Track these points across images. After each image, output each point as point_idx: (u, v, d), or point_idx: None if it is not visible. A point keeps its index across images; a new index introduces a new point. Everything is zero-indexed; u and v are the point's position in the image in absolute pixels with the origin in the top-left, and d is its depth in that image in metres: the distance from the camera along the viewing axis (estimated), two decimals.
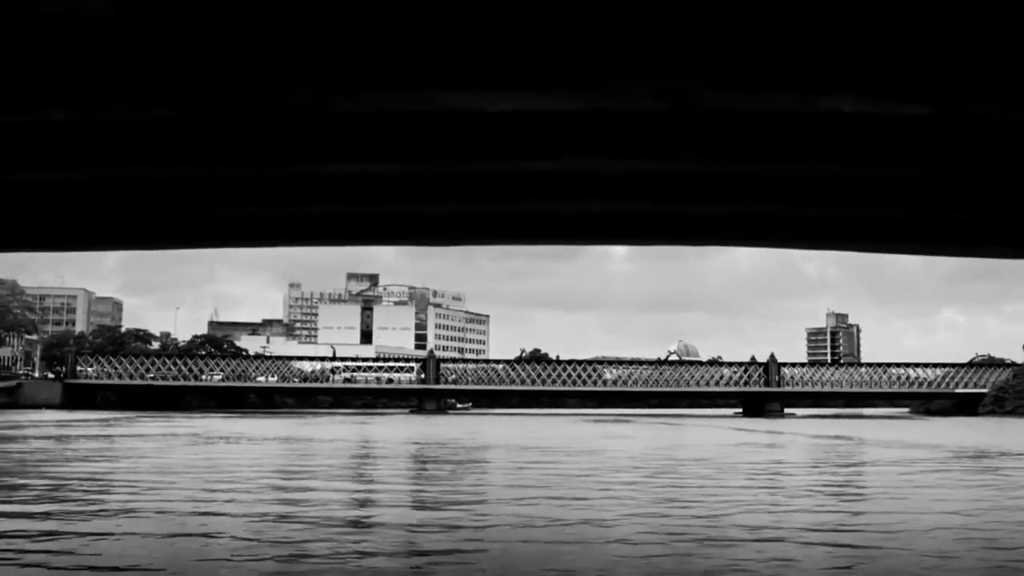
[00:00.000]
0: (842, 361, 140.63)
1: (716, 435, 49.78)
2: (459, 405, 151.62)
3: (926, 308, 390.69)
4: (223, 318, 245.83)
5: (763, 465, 26.29)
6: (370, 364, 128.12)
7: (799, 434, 50.82)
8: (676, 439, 44.45)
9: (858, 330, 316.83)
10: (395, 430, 52.72)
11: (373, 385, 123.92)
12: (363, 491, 18.93)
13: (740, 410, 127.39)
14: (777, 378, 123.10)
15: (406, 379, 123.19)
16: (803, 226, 10.58)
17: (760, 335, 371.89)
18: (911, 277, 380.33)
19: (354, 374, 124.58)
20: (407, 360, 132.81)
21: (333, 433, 46.94)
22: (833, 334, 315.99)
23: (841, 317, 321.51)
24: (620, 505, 15.62)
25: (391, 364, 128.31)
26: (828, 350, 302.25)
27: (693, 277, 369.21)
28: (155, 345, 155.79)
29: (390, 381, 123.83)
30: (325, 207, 10.47)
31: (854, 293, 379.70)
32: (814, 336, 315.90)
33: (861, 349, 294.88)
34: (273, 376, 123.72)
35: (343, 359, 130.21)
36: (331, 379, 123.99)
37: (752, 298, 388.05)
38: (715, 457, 28.42)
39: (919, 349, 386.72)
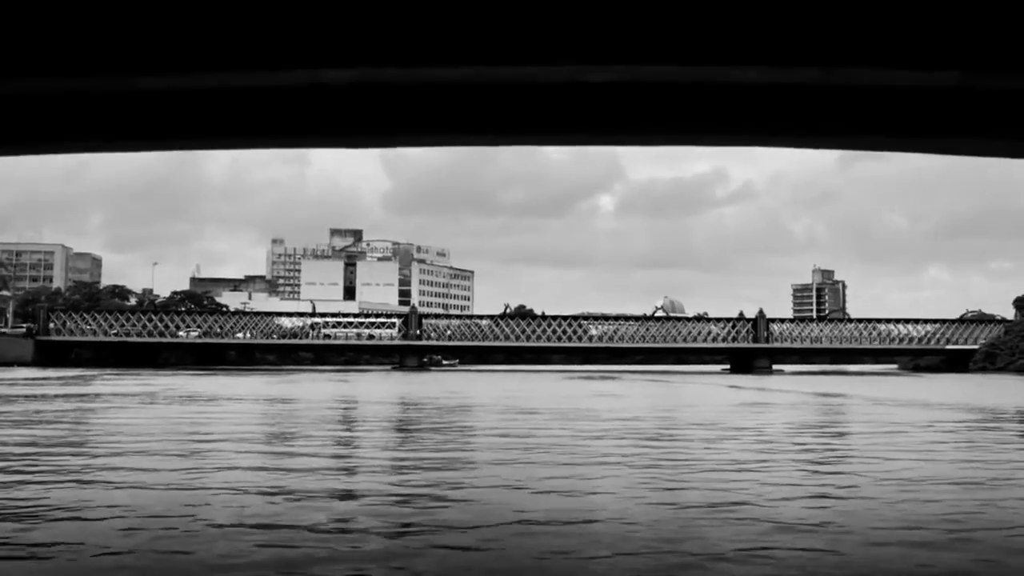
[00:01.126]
0: (832, 316, 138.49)
1: (711, 394, 47.26)
2: (445, 362, 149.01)
3: (912, 265, 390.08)
4: (208, 275, 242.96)
5: (774, 429, 23.62)
6: (350, 320, 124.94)
7: (797, 392, 48.39)
8: (672, 399, 41.82)
9: (844, 286, 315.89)
10: (371, 389, 49.90)
11: (354, 341, 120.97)
12: (332, 465, 16.05)
13: (727, 366, 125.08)
14: (766, 334, 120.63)
15: (387, 335, 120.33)
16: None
17: (746, 292, 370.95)
18: (898, 234, 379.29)
19: (334, 330, 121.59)
20: (389, 316, 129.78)
21: (305, 392, 44.05)
22: (819, 290, 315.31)
23: (827, 273, 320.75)
24: (620, 480, 12.85)
25: (372, 320, 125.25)
26: (814, 306, 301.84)
27: (681, 235, 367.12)
28: (133, 302, 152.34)
29: (371, 337, 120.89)
30: (141, 77, 6.65)
31: (840, 250, 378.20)
32: (800, 292, 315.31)
33: (847, 305, 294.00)
34: (250, 333, 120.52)
35: (323, 315, 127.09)
36: (310, 336, 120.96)
37: (739, 256, 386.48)
38: (719, 420, 25.61)
39: (904, 306, 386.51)
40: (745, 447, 17.61)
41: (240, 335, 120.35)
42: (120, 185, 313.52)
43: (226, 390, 44.18)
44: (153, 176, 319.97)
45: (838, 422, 26.41)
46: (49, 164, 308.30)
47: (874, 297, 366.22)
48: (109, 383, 51.54)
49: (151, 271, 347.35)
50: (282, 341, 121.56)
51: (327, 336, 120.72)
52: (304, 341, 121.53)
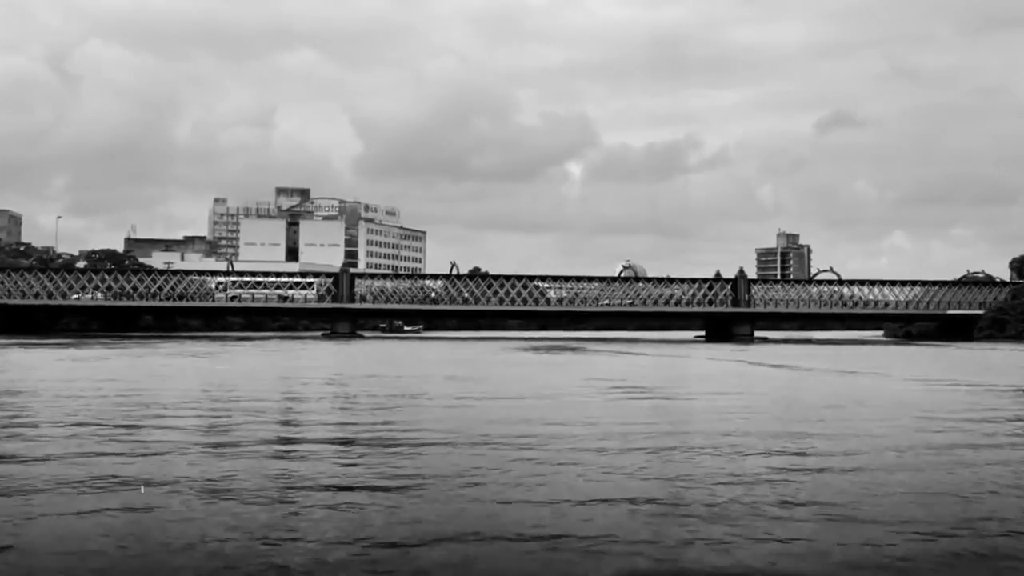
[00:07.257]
0: (820, 278, 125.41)
1: (739, 377, 33.48)
2: (407, 328, 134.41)
3: (877, 231, 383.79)
4: (169, 237, 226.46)
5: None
6: (259, 280, 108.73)
7: (878, 374, 34.85)
8: (705, 394, 27.79)
9: (809, 251, 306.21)
10: (257, 373, 35.15)
11: (272, 304, 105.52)
12: None
13: (702, 333, 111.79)
14: (747, 297, 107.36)
15: (312, 297, 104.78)
16: None
17: (709, 257, 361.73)
18: (865, 202, 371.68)
19: (239, 291, 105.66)
20: (316, 274, 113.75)
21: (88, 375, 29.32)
22: (783, 254, 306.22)
23: (792, 238, 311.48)
24: None
25: (286, 280, 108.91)
26: (778, 270, 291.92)
27: (648, 201, 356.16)
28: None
29: (285, 299, 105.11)
30: None
31: (807, 217, 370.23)
32: (764, 256, 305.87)
33: (811, 270, 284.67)
34: (158, 296, 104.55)
35: (241, 274, 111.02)
36: (214, 297, 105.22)
37: (705, 222, 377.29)
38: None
39: (865, 271, 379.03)
40: None
41: (155, 299, 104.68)
42: (85, 149, 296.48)
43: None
44: (120, 140, 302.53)
45: None
46: (12, 127, 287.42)
47: (836, 263, 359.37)
48: None
49: (115, 235, 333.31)
50: (201, 304, 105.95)
51: (234, 298, 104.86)
52: (227, 304, 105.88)
